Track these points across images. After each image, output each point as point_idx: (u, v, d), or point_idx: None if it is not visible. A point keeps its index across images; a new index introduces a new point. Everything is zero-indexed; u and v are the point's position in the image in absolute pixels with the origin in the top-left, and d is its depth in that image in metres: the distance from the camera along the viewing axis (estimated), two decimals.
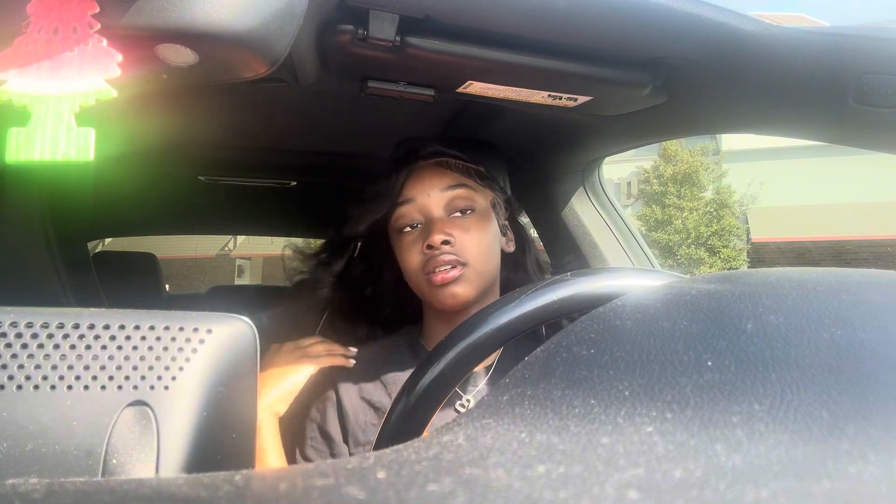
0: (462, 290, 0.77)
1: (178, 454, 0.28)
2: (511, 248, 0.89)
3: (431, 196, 0.81)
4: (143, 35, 0.41)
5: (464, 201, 0.81)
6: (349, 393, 0.80)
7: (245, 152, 1.37)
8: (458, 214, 0.81)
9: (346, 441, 0.78)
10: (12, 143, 0.37)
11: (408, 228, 0.81)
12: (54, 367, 0.27)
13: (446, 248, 0.77)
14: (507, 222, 0.89)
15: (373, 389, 0.80)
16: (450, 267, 0.76)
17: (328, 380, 0.81)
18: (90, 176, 1.26)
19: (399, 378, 0.79)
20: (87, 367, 0.27)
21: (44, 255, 1.05)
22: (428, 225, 0.79)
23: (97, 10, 0.39)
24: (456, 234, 0.78)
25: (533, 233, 1.17)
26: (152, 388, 0.28)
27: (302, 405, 0.83)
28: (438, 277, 0.76)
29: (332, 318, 0.96)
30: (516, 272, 0.91)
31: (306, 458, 0.78)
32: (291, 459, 0.78)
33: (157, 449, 0.27)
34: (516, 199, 0.99)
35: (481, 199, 0.84)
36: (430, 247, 0.77)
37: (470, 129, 1.07)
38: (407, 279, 0.83)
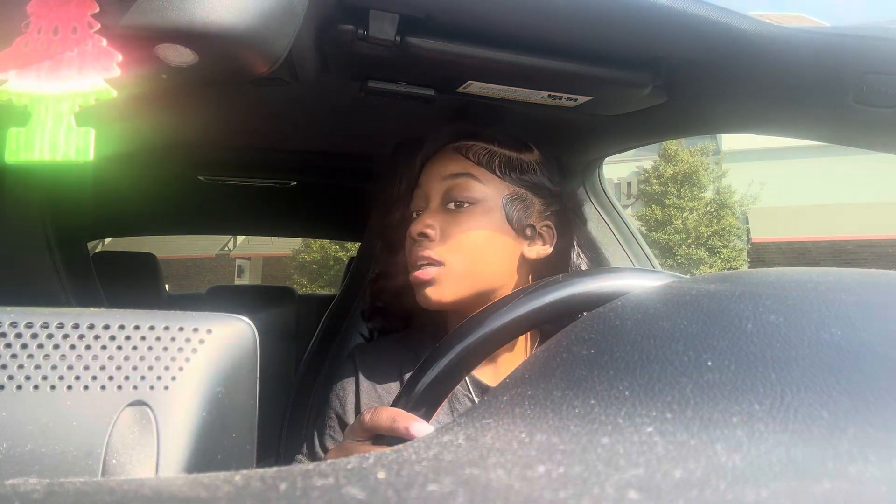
0: (434, 294, 0.69)
1: (178, 454, 0.28)
2: (536, 254, 0.76)
3: (433, 183, 0.74)
4: (142, 35, 0.41)
5: (460, 191, 0.72)
6: (369, 386, 0.77)
7: (245, 152, 1.37)
8: (453, 206, 0.72)
9: None
10: (12, 143, 0.37)
11: (415, 215, 0.75)
12: (54, 367, 0.27)
13: (424, 241, 0.70)
14: (544, 224, 0.77)
15: (391, 384, 0.78)
16: (426, 264, 0.69)
17: (350, 371, 0.79)
18: (90, 176, 1.26)
19: None
20: (87, 367, 0.27)
21: (44, 255, 1.05)
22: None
23: (97, 10, 0.39)
24: (440, 228, 0.70)
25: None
26: (152, 388, 0.28)
27: (325, 396, 0.81)
28: (413, 274, 0.70)
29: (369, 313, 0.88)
30: None
31: (325, 449, 0.75)
32: (311, 449, 0.76)
33: (157, 449, 0.27)
34: None
35: (489, 191, 0.73)
36: (410, 237, 0.72)
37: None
38: None
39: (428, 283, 0.69)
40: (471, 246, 0.71)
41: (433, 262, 0.69)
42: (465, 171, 0.74)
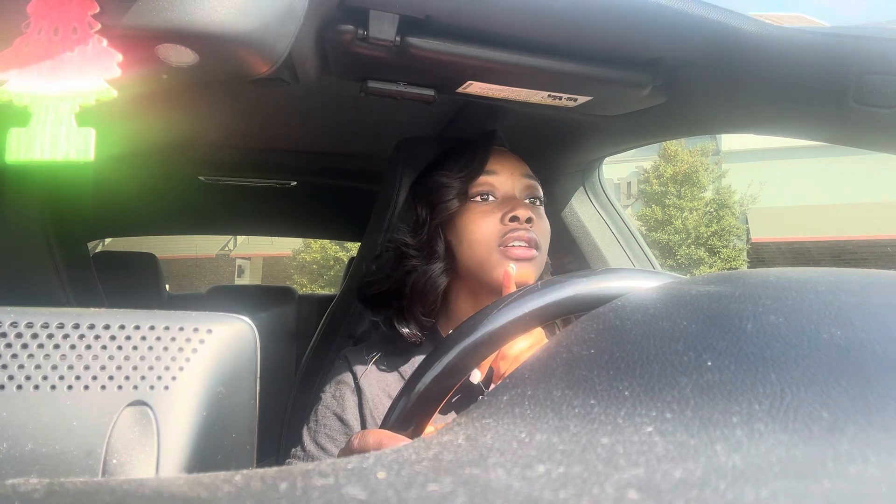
0: (531, 274, 0.77)
1: (178, 454, 0.28)
2: None
3: (514, 176, 0.83)
4: (143, 35, 0.41)
5: (536, 191, 0.85)
6: (369, 382, 0.78)
7: (245, 152, 1.37)
8: (536, 202, 0.84)
9: (364, 429, 0.76)
10: (12, 143, 0.37)
11: (479, 198, 0.81)
12: (54, 367, 0.27)
13: (528, 225, 0.78)
14: None
15: (391, 380, 0.79)
16: (527, 245, 0.77)
17: (344, 370, 0.80)
18: (90, 176, 1.26)
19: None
20: (87, 367, 0.27)
21: (44, 255, 1.05)
22: (509, 200, 0.81)
23: (97, 10, 0.39)
24: (534, 218, 0.80)
25: None
26: (152, 388, 0.28)
27: (316, 392, 0.81)
28: (518, 251, 0.76)
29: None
30: None
31: (319, 446, 0.76)
32: (303, 448, 0.77)
33: (157, 449, 0.27)
34: None
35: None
36: (514, 219, 0.78)
37: (469, 130, 1.07)
38: (470, 248, 0.79)
39: (529, 261, 0.77)
40: (548, 238, 0.83)
41: (533, 245, 0.78)
42: (533, 174, 0.86)
